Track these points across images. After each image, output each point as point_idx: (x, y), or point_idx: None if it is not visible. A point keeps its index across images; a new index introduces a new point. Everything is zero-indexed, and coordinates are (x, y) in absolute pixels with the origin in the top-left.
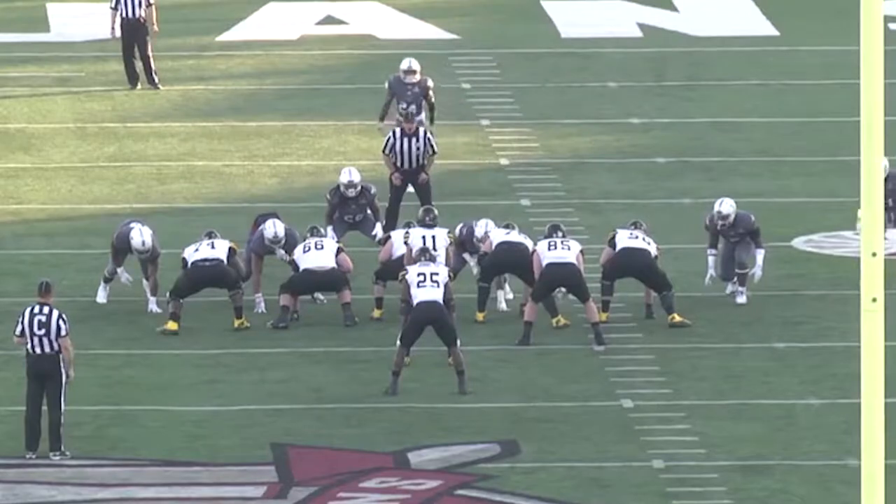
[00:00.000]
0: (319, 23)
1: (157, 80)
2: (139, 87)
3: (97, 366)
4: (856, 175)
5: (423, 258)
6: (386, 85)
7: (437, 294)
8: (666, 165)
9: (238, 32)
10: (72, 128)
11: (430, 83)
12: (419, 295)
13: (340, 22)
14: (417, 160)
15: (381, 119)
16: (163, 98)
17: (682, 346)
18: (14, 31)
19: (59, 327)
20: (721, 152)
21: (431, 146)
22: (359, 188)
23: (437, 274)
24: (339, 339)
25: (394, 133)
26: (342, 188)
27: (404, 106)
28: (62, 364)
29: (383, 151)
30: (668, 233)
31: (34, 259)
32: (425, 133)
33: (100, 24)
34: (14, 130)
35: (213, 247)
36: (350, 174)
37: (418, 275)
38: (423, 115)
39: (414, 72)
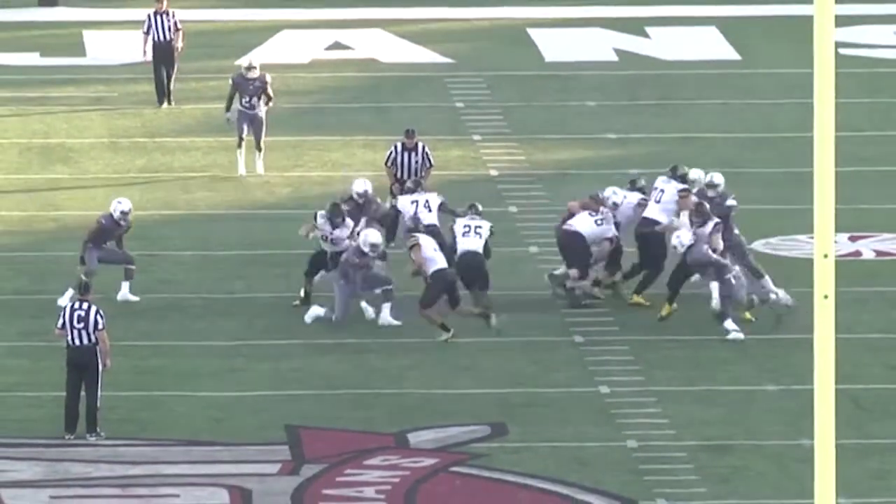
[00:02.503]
0: (328, 48)
1: (172, 99)
2: (165, 105)
3: (129, 356)
4: (809, 185)
5: (469, 212)
6: (230, 81)
7: (479, 244)
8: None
9: (256, 56)
10: (106, 142)
11: (268, 78)
12: (463, 244)
13: (347, 47)
14: (416, 173)
15: (227, 110)
16: (188, 116)
17: (655, 338)
18: (54, 55)
19: (96, 321)
20: (688, 164)
21: (429, 159)
22: (367, 198)
23: (480, 227)
24: (347, 331)
25: (395, 147)
26: (355, 196)
27: (247, 99)
28: (99, 355)
29: (385, 164)
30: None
31: (72, 260)
32: (423, 148)
33: (131, 49)
34: (54, 144)
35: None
36: (364, 184)
37: (464, 226)
38: (261, 107)
39: (254, 68)
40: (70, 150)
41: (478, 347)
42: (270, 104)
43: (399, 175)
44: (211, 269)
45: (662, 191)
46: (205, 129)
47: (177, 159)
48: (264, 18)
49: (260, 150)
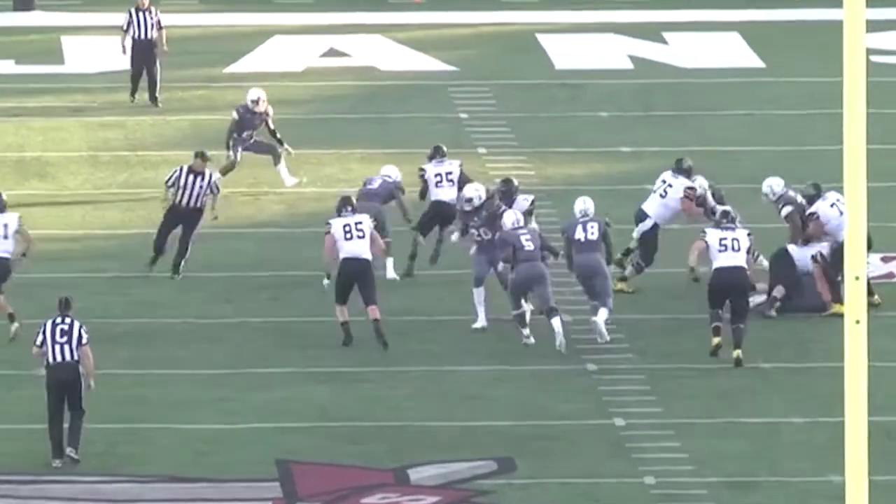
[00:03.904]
0: (323, 55)
1: (159, 99)
2: (135, 99)
3: (109, 385)
4: None
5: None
6: (234, 115)
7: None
8: None
9: (245, 64)
10: (85, 156)
11: (271, 111)
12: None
13: (343, 54)
14: (198, 199)
15: (228, 147)
16: (172, 127)
17: (672, 366)
18: (30, 62)
19: (80, 335)
20: (708, 179)
21: (215, 187)
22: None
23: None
24: (342, 359)
25: (181, 168)
26: (465, 203)
27: (249, 132)
28: (82, 375)
29: (166, 183)
30: (656, 257)
31: (49, 282)
32: (211, 176)
33: (112, 56)
34: (30, 158)
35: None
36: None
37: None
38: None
39: (263, 101)
40: (47, 163)
41: (484, 376)
42: (283, 145)
43: (179, 200)
44: (197, 292)
45: (670, 185)
46: (191, 141)
47: (161, 174)
48: (254, 23)
49: (279, 161)
